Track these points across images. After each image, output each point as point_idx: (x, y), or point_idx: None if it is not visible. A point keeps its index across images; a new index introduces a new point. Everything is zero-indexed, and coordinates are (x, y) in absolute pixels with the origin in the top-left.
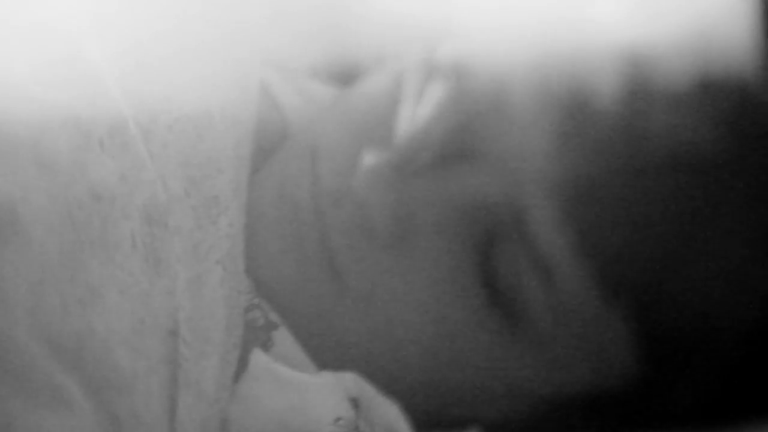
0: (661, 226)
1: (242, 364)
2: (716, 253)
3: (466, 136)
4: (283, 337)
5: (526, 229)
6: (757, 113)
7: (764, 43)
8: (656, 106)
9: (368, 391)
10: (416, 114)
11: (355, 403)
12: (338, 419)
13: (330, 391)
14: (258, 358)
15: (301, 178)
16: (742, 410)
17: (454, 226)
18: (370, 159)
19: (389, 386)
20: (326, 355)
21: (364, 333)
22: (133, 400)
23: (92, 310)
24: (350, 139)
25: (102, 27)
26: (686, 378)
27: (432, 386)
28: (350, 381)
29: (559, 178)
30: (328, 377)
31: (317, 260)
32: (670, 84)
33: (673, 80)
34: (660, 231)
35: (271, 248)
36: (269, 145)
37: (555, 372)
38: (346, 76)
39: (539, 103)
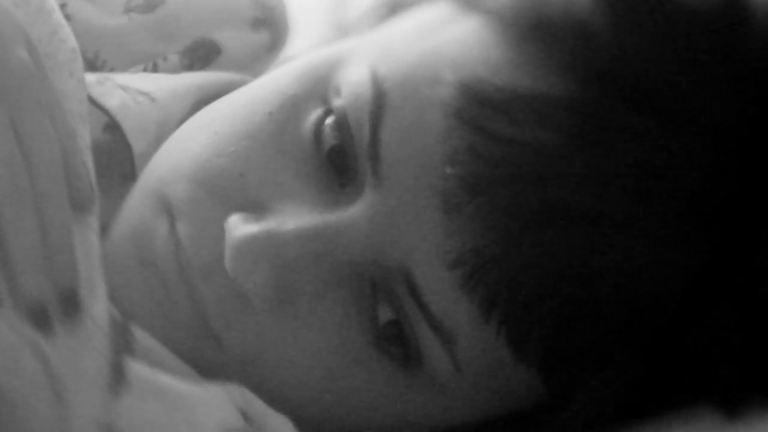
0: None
1: (117, 371)
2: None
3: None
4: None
5: (419, 296)
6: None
7: None
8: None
9: (257, 405)
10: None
11: (244, 414)
12: (229, 430)
13: (218, 403)
14: (137, 372)
15: (161, 243)
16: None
17: (336, 284)
18: (237, 230)
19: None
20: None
21: (250, 387)
22: None
23: None
24: (209, 199)
25: None
26: (587, 393)
27: (323, 425)
28: (237, 393)
29: (455, 249)
30: (215, 389)
31: (192, 327)
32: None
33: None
34: (557, 272)
35: (140, 312)
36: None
37: (454, 410)
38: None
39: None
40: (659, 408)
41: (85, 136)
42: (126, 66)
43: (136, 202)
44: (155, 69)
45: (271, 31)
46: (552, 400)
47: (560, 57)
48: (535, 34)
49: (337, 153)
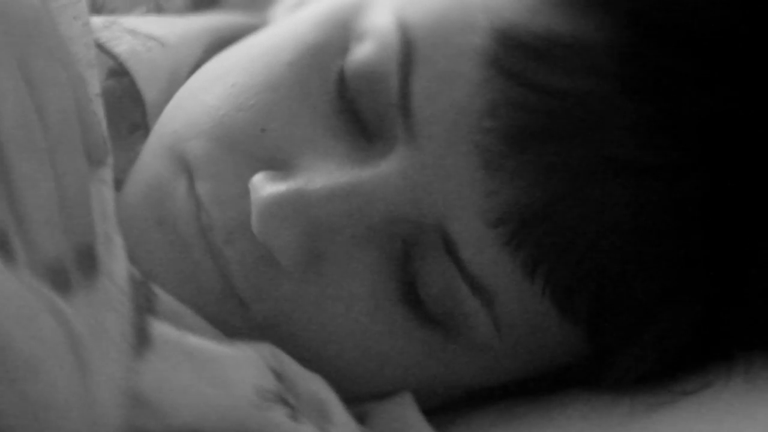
0: (609, 221)
1: (140, 332)
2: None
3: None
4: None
5: (457, 254)
6: None
7: None
8: None
9: (289, 363)
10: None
11: (277, 374)
12: (262, 391)
13: (250, 363)
14: (162, 332)
15: (180, 203)
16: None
17: (367, 244)
18: (264, 189)
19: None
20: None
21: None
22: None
23: None
24: (229, 157)
25: None
26: (639, 346)
27: (357, 385)
28: (269, 353)
29: (497, 207)
30: (246, 349)
31: (216, 289)
32: None
33: None
34: (609, 226)
35: (159, 274)
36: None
37: (494, 369)
38: None
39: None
40: (710, 360)
41: (93, 83)
42: (128, 7)
43: (151, 158)
44: (159, 9)
45: None
46: (598, 355)
47: None
48: None
49: (365, 106)
